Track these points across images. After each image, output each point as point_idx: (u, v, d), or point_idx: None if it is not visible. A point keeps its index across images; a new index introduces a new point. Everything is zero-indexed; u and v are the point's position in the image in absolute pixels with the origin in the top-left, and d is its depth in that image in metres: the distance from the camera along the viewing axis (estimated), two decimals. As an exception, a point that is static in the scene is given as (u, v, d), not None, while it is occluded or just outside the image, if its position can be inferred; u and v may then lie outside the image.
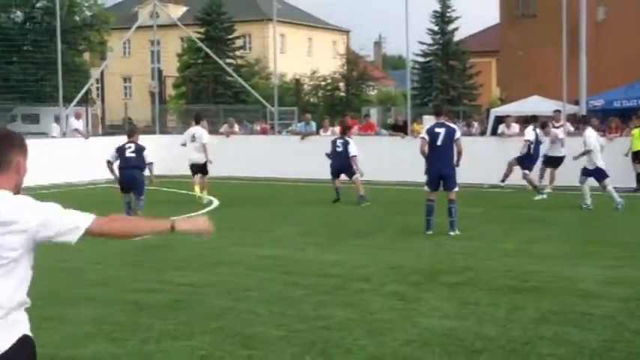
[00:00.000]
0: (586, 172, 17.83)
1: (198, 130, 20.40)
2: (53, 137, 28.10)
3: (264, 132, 31.86)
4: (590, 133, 17.92)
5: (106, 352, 7.57)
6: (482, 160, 21.38)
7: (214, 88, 58.02)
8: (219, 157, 21.44)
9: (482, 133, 31.77)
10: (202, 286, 10.40)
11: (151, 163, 17.11)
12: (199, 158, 20.10)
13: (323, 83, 65.50)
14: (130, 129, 21.03)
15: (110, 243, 13.84)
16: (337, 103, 62.01)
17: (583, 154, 17.83)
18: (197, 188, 20.15)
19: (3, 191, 4.16)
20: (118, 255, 12.73)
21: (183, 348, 7.68)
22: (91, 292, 10.06)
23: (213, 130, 31.28)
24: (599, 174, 17.70)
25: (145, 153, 17.09)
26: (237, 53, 64.88)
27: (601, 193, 17.84)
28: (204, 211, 18.18)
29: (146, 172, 17.18)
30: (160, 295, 9.91)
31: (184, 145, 20.58)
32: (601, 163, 17.67)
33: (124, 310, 9.18)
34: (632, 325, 8.32)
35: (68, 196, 22.31)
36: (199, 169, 20.27)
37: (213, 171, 21.11)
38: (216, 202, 19.51)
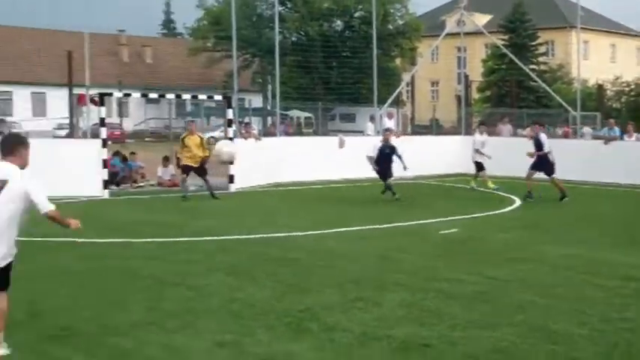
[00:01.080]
0: None
1: (477, 137, 23.43)
2: (368, 135, 28.93)
3: (565, 136, 31.05)
4: None
5: (415, 335, 7.70)
6: None
7: (517, 92, 57.11)
8: (518, 159, 21.13)
9: None
10: (507, 280, 10.29)
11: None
12: (477, 158, 23.09)
13: (626, 89, 62.41)
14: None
15: (424, 236, 14.10)
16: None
17: None
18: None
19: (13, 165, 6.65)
20: (431, 246, 12.94)
21: (488, 338, 7.65)
22: (403, 279, 10.27)
23: (515, 133, 31.02)
24: None
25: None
26: (540, 59, 63.55)
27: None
28: (507, 209, 17.96)
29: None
30: (468, 286, 9.94)
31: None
32: None
33: (432, 297, 9.31)
34: None
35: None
36: (479, 166, 23.03)
37: (508, 172, 22.30)
38: (518, 202, 19.19)
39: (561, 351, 7.26)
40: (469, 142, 26.04)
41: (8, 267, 6.83)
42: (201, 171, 20.06)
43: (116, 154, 23.61)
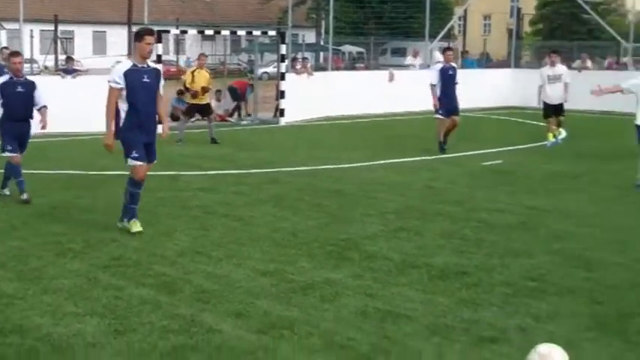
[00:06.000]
0: None
1: (546, 71, 18.03)
2: (413, 67, 28.63)
3: (609, 67, 30.76)
4: None
5: (454, 263, 7.72)
6: None
7: (569, 25, 55.89)
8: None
9: None
10: (547, 210, 10.25)
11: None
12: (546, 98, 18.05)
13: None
14: None
15: (468, 167, 14.03)
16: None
17: None
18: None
19: None
20: (474, 177, 12.90)
21: (524, 266, 7.65)
22: (445, 209, 10.28)
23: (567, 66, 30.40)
24: None
25: None
26: (595, -9, 61.98)
27: None
28: (552, 141, 17.62)
29: None
30: (508, 215, 9.92)
31: None
32: None
33: (473, 226, 9.30)
34: None
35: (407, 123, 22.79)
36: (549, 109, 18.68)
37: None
38: (563, 134, 18.83)
39: (596, 278, 7.24)
40: (520, 76, 25.70)
41: None
42: (206, 111, 18.46)
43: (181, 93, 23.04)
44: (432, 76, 16.25)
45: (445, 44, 31.76)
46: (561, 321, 6.13)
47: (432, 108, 16.37)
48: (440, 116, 16.11)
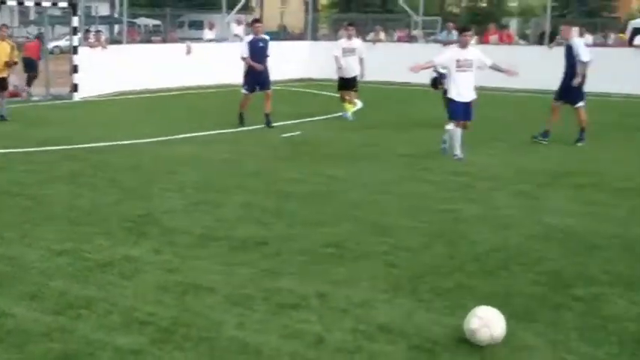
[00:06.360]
0: None
1: (342, 44, 17.80)
2: (210, 41, 28.54)
3: (400, 40, 32.22)
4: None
5: (254, 234, 7.82)
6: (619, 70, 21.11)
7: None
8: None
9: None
10: (346, 179, 10.57)
11: None
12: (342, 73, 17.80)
13: (466, -6, 63.92)
14: None
15: (267, 140, 14.19)
16: (478, 14, 60.35)
17: None
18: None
19: None
20: (273, 149, 13.05)
21: (323, 234, 7.85)
22: (245, 182, 10.36)
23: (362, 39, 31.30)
24: None
25: None
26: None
27: None
28: (350, 112, 18.11)
29: None
30: (308, 185, 10.14)
31: None
32: None
33: (273, 197, 9.44)
34: None
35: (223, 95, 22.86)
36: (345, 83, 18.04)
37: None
38: (360, 104, 19.44)
39: (391, 242, 7.55)
40: (317, 48, 26.13)
41: None
42: (1, 85, 17.15)
43: None
44: (243, 49, 16.21)
45: (242, 17, 31.88)
46: (358, 285, 6.36)
47: (234, 82, 16.48)
48: (245, 91, 16.21)
